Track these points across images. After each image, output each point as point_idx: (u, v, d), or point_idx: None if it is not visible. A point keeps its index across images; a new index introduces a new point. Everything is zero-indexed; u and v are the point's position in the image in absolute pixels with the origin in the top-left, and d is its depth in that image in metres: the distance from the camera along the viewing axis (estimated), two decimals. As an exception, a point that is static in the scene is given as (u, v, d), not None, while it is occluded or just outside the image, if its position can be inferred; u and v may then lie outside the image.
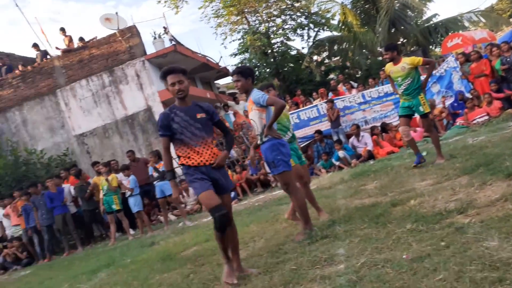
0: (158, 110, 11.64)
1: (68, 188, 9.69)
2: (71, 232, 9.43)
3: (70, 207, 9.56)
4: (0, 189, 11.18)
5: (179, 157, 3.52)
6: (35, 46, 13.18)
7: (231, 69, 15.75)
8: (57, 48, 12.75)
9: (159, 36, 12.17)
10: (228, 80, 19.53)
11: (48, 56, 13.06)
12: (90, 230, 9.87)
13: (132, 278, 4.68)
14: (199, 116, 3.49)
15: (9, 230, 10.22)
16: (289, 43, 18.75)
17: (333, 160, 9.29)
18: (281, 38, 18.33)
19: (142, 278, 4.55)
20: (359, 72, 18.12)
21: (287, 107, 6.47)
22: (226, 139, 3.80)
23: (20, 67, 12.97)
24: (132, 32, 12.00)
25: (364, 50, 17.38)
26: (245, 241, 4.82)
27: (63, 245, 9.61)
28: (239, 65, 15.73)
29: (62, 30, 13.00)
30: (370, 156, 8.92)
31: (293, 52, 18.74)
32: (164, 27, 12.90)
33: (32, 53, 13.62)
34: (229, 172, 9.96)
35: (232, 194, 9.32)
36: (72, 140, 12.32)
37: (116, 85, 11.90)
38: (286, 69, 18.22)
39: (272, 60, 17.93)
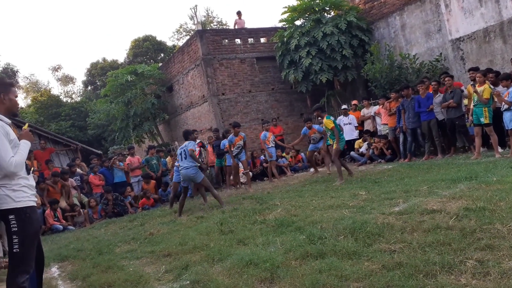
0: None
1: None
2: (433, 138, 9.45)
3: (438, 114, 9.39)
4: (375, 90, 12.41)
5: None
6: None
7: None
8: None
9: None
10: None
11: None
12: (453, 139, 9.52)
13: (498, 198, 4.17)
14: None
15: (379, 127, 11.38)
16: None
17: None
18: None
19: (510, 200, 3.96)
20: None
21: None
22: None
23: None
24: None
25: None
26: None
27: (424, 149, 9.83)
28: None
29: None
30: None
31: None
32: None
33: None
34: None
35: None
36: (447, 45, 11.70)
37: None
38: None
39: None
